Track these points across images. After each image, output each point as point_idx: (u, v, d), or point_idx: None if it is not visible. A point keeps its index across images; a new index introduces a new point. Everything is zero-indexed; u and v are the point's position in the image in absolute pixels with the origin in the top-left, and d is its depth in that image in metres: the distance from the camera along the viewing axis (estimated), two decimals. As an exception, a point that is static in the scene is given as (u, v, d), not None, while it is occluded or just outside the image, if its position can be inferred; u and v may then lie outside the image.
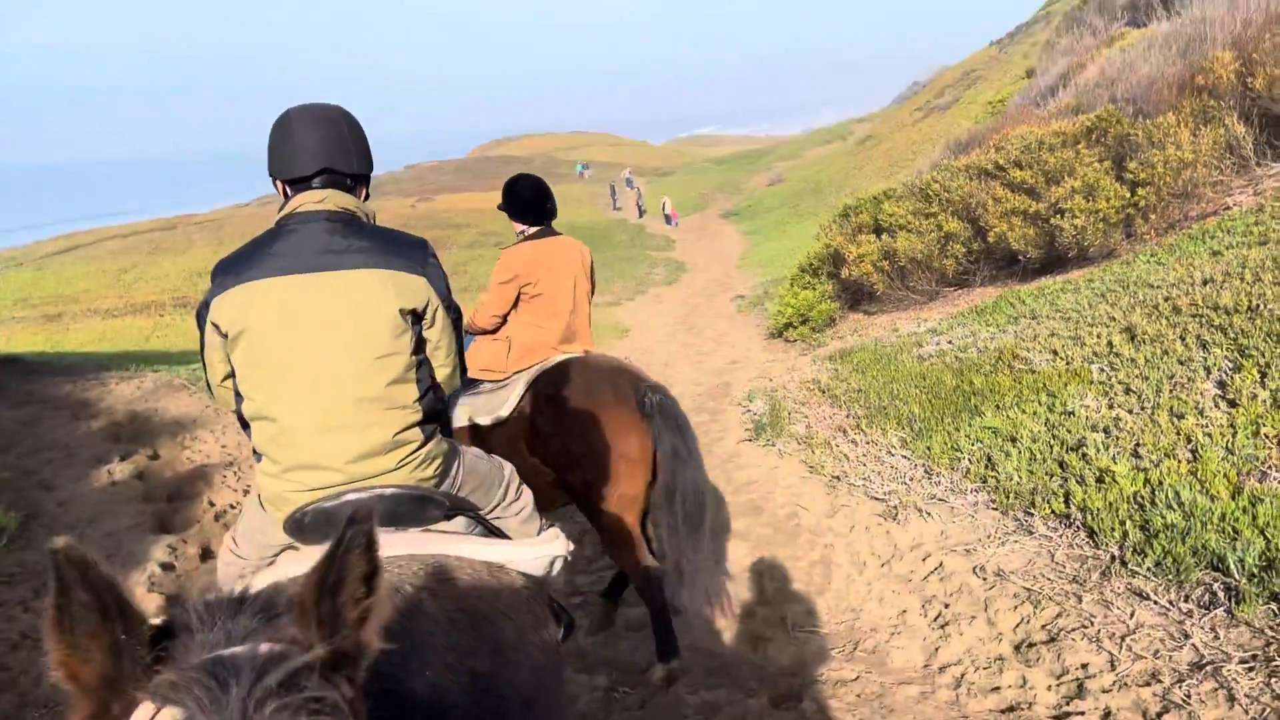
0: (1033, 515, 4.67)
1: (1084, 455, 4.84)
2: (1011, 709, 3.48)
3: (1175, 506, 4.06)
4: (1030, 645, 3.75)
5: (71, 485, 6.02)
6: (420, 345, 2.27)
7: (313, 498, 2.12)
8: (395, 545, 1.99)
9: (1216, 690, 3.11)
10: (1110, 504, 4.32)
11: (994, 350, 7.08)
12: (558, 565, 2.35)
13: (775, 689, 3.90)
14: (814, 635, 4.36)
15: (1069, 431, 5.15)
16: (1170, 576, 3.75)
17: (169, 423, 7.47)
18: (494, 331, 4.27)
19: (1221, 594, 3.57)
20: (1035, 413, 5.56)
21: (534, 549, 2.29)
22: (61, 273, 34.63)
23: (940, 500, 5.26)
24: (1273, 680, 3.05)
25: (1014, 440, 5.36)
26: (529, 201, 4.29)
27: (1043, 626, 3.82)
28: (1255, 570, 3.54)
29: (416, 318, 2.24)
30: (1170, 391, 5.06)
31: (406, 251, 2.25)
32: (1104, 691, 3.33)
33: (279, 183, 2.35)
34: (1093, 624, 3.69)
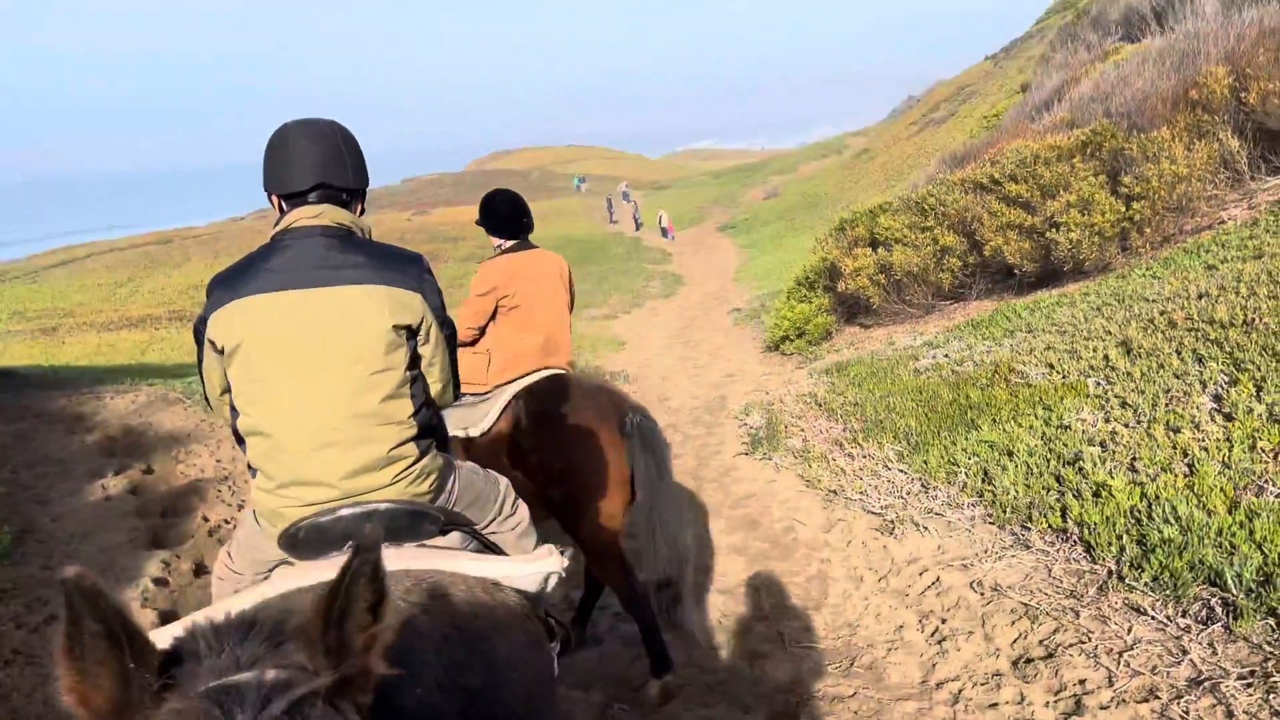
0: (1030, 530, 4.67)
1: (1081, 469, 4.83)
2: (1009, 725, 3.46)
3: (1172, 521, 4.05)
4: (1028, 661, 3.73)
5: (65, 500, 5.99)
6: (415, 361, 2.27)
7: (307, 513, 2.11)
8: (389, 561, 1.96)
9: (1215, 706, 3.10)
10: (1107, 518, 4.31)
11: (990, 364, 7.08)
12: (552, 581, 2.34)
13: (772, 706, 3.88)
14: (811, 651, 4.34)
15: (1065, 445, 5.15)
16: (1168, 592, 3.74)
17: (163, 437, 7.44)
18: (473, 344, 4.28)
19: (1219, 609, 3.55)
20: (1032, 427, 5.56)
21: (528, 565, 2.28)
22: (57, 286, 34.61)
23: (937, 514, 5.25)
24: (1271, 696, 3.03)
25: (1011, 454, 5.36)
26: (505, 216, 4.33)
27: (1040, 642, 3.81)
28: (1253, 585, 3.53)
29: (411, 334, 2.24)
30: (1166, 405, 5.06)
31: (402, 267, 2.25)
32: (1102, 708, 3.32)
33: (274, 197, 2.35)
34: (1090, 639, 3.68)
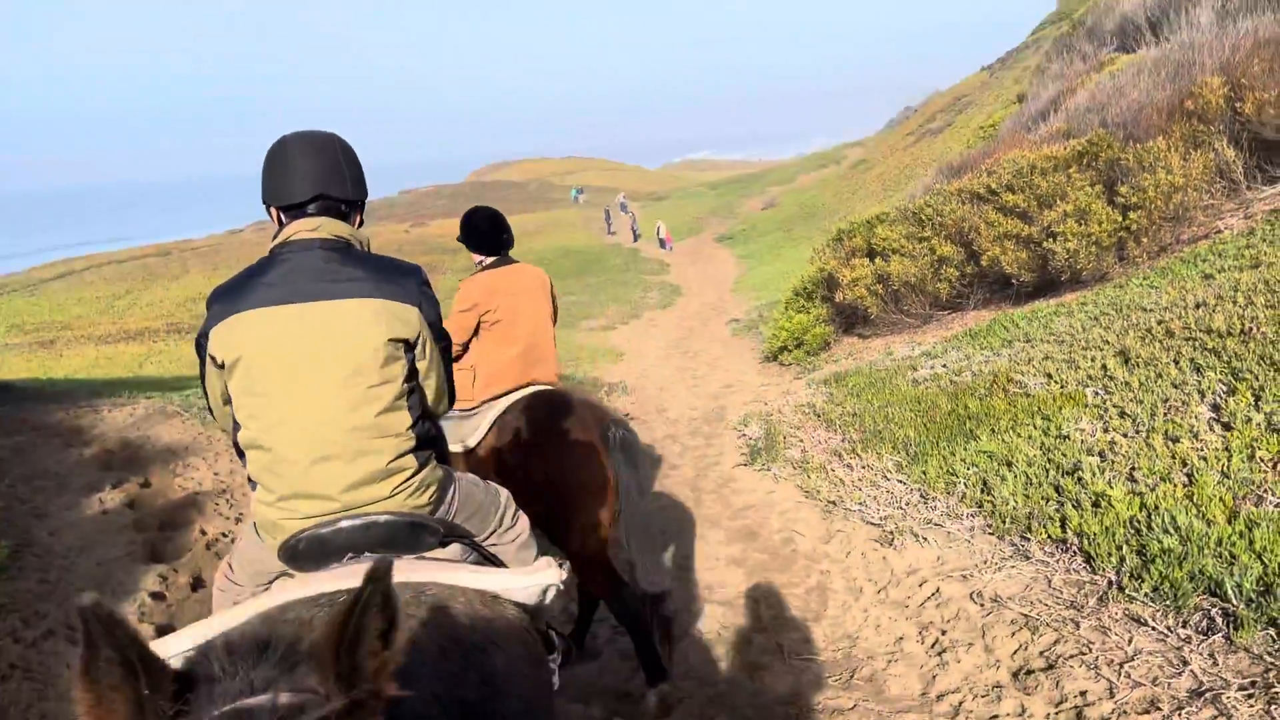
0: (1029, 540, 4.66)
1: (1080, 479, 4.83)
2: (1010, 737, 3.45)
3: (1172, 531, 4.04)
4: (1028, 672, 3.72)
5: (63, 513, 5.98)
6: (413, 373, 2.28)
7: (307, 525, 2.12)
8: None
9: (1216, 718, 3.08)
10: (1107, 529, 4.30)
11: (988, 374, 7.08)
12: (551, 594, 2.34)
13: (772, 719, 3.86)
14: (811, 663, 4.32)
15: (1064, 455, 5.15)
16: (1168, 602, 3.73)
17: (161, 450, 7.43)
18: (457, 360, 4.31)
19: (1219, 619, 3.55)
20: (1030, 436, 5.56)
21: (526, 578, 2.28)
22: (55, 299, 34.61)
23: (936, 525, 5.24)
24: (1272, 708, 3.02)
25: (1009, 464, 5.35)
26: (485, 233, 4.39)
27: (1041, 653, 3.80)
28: (1253, 595, 3.53)
29: (409, 347, 2.25)
30: (1165, 415, 5.06)
31: (400, 279, 2.26)
32: None
33: (273, 209, 2.35)
34: (1091, 651, 3.67)
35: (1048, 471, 5.09)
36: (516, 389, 4.20)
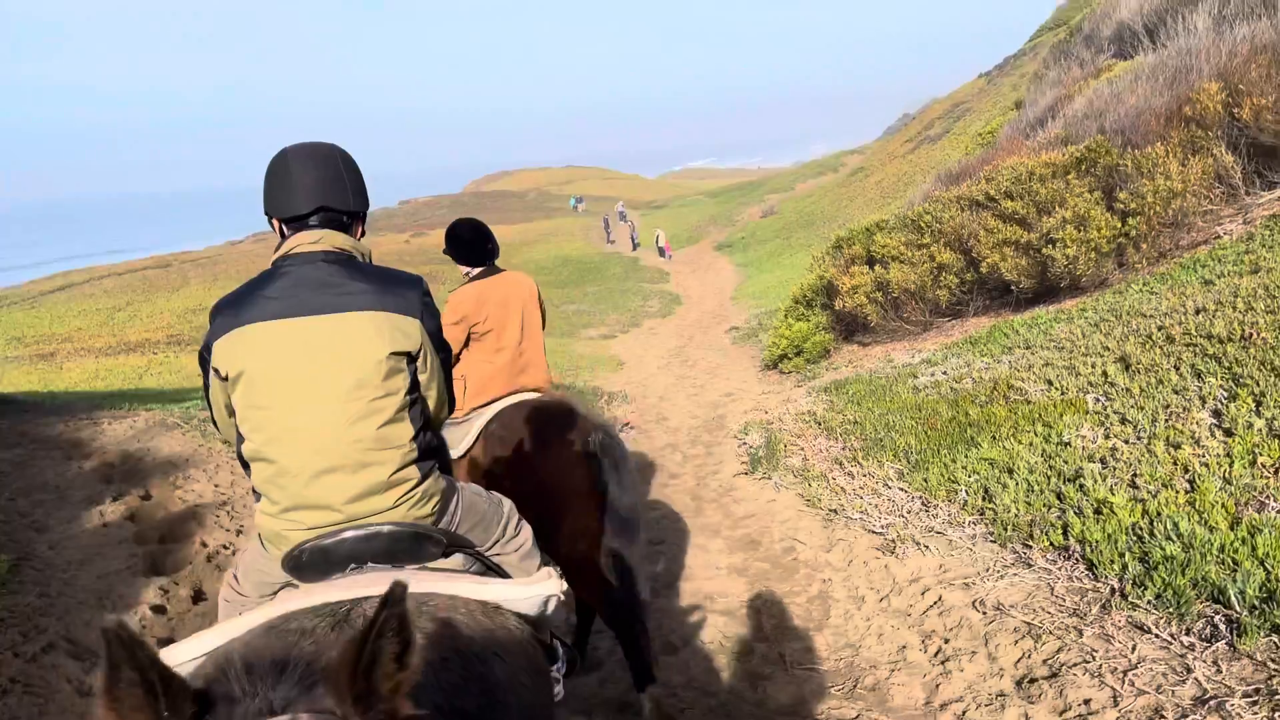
0: (1031, 548, 4.65)
1: (1081, 486, 4.82)
2: (1014, 746, 3.44)
3: (1174, 538, 4.03)
4: (1032, 681, 3.71)
5: (63, 527, 5.97)
6: (414, 385, 2.28)
7: (310, 535, 2.13)
8: (390, 582, 1.99)
9: (1221, 725, 3.08)
10: (1109, 536, 4.29)
11: (989, 381, 7.08)
12: (552, 604, 2.34)
13: (775, 728, 3.85)
14: (813, 673, 4.31)
15: (1066, 462, 5.14)
16: (1171, 609, 3.72)
17: (161, 462, 7.42)
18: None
19: (1223, 626, 3.53)
20: (1031, 443, 5.55)
21: (527, 588, 2.28)
22: (55, 311, 34.59)
23: (938, 533, 5.23)
24: (1276, 715, 3.01)
25: (1011, 472, 5.34)
26: (470, 243, 4.41)
27: (1044, 661, 3.79)
28: (1256, 602, 3.52)
29: (410, 359, 2.25)
30: (1166, 421, 5.05)
31: (401, 291, 2.26)
32: (1107, 728, 3.30)
33: (275, 221, 2.36)
34: (1094, 658, 3.66)
35: (1049, 478, 5.08)
36: (505, 396, 4.24)
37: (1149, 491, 4.50)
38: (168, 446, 7.86)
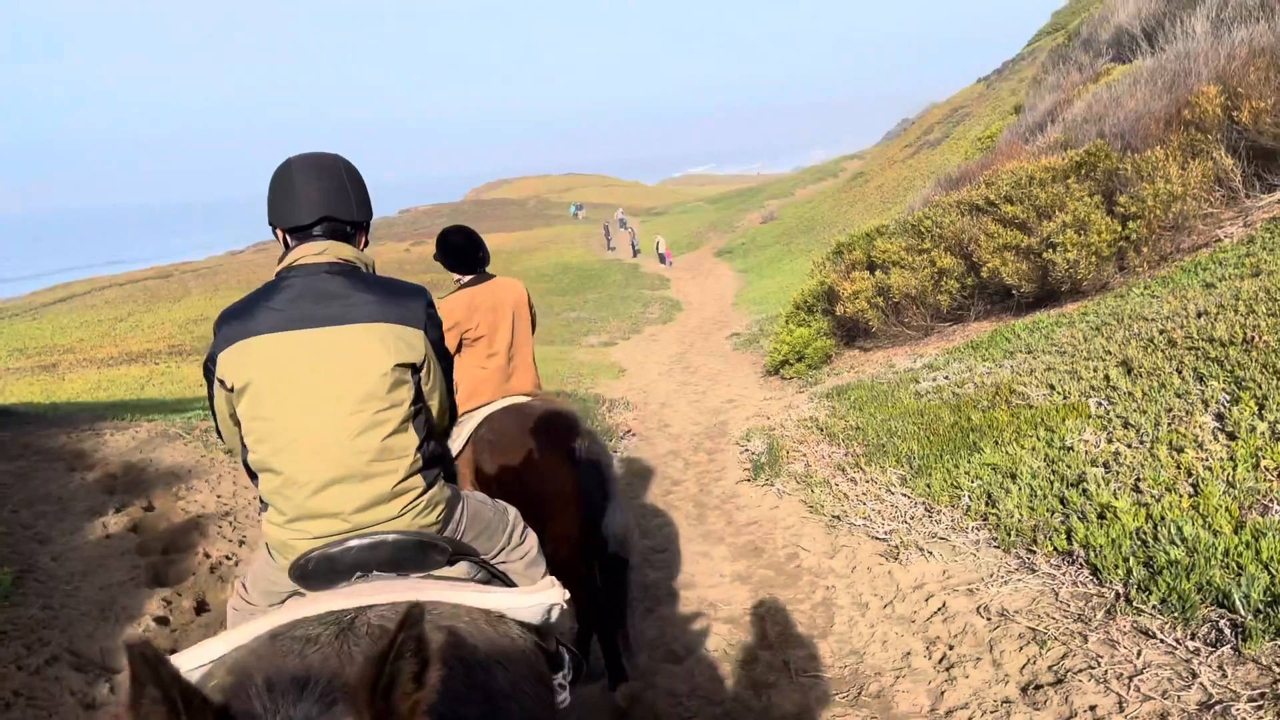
0: (1035, 553, 4.64)
1: (1084, 491, 4.82)
2: (1020, 753, 3.43)
3: (1178, 542, 4.03)
4: (1037, 687, 3.70)
5: (66, 538, 5.97)
6: (418, 396, 2.30)
7: (317, 544, 2.15)
8: (394, 591, 2.02)
9: (1227, 730, 3.07)
10: (1113, 540, 4.29)
11: (991, 385, 7.07)
12: (555, 613, 2.34)
13: (780, 736, 3.84)
14: (818, 680, 4.30)
15: (1069, 467, 5.13)
16: (1176, 614, 3.72)
17: (164, 473, 7.42)
18: None
19: (1228, 631, 3.53)
20: (1034, 448, 5.55)
21: (530, 597, 2.29)
22: (57, 322, 34.64)
23: (941, 539, 5.22)
24: (1283, 719, 3.00)
25: (1014, 477, 5.34)
26: (461, 249, 4.46)
27: (1049, 667, 3.78)
28: (1260, 606, 3.51)
29: (415, 370, 2.27)
30: (1169, 425, 5.05)
31: (405, 302, 2.28)
32: (1113, 733, 3.29)
33: (279, 231, 2.38)
34: (1099, 664, 3.65)
35: (1052, 483, 5.07)
36: (495, 400, 4.29)
37: (1152, 495, 4.49)
38: (170, 457, 7.86)
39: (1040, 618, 4.12)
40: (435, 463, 2.33)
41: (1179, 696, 3.31)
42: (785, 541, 6.04)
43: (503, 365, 4.34)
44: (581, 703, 4.22)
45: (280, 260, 2.31)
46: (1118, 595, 4.03)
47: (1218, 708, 3.17)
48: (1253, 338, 5.44)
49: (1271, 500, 4.08)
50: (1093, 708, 3.44)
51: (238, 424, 2.27)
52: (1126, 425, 5.30)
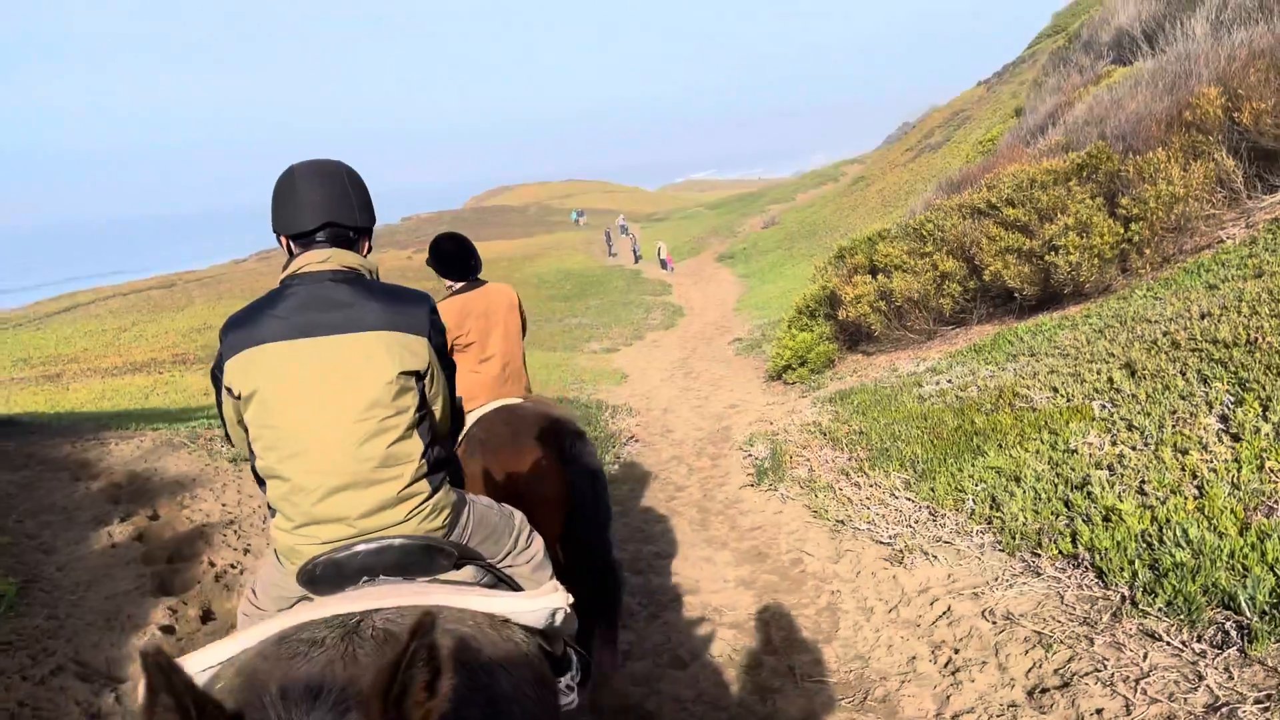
0: (1040, 556, 4.63)
1: (1089, 494, 4.81)
2: (1027, 757, 3.42)
3: (1184, 544, 4.02)
4: (1043, 690, 3.69)
5: (71, 548, 5.97)
6: (423, 402, 2.31)
7: (324, 550, 2.18)
8: (400, 595, 2.04)
9: (1234, 733, 3.06)
10: (1118, 543, 4.28)
11: (994, 389, 7.07)
12: (559, 617, 2.35)
13: (786, 741, 3.83)
14: (823, 685, 4.29)
15: (1073, 470, 5.13)
16: (1182, 616, 3.71)
17: (168, 482, 7.42)
18: None
19: (1234, 633, 3.52)
20: (1038, 451, 5.54)
21: (533, 601, 2.31)
22: (61, 332, 34.70)
23: (946, 543, 5.22)
24: (1291, 721, 3.00)
25: (1018, 480, 5.33)
26: (453, 256, 4.52)
27: (1055, 671, 3.77)
28: (1266, 608, 3.50)
29: (419, 377, 2.28)
30: (1173, 427, 5.04)
31: (409, 309, 2.30)
32: (1120, 737, 3.28)
33: (283, 238, 2.39)
34: (1106, 667, 3.64)
35: (1056, 486, 5.07)
36: (483, 405, 4.34)
37: (1157, 498, 4.49)
38: (175, 466, 7.86)
39: (1046, 621, 4.12)
40: (440, 467, 2.35)
41: (1185, 699, 3.31)
42: (789, 546, 6.03)
43: (497, 370, 4.41)
44: (581, 708, 4.22)
45: (284, 268, 2.33)
46: (1123, 598, 4.02)
47: (1224, 710, 3.16)
48: (1256, 339, 5.43)
49: (1277, 501, 4.07)
50: (1099, 711, 3.43)
51: (246, 430, 2.29)
52: (1130, 428, 5.29)
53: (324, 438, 2.15)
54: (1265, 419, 4.65)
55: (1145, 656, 3.62)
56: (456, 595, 2.15)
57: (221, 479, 7.48)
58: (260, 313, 2.23)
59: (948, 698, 3.93)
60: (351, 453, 2.15)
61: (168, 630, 4.93)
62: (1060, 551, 4.54)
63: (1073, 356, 6.92)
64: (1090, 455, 5.20)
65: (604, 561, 4.18)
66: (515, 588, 2.47)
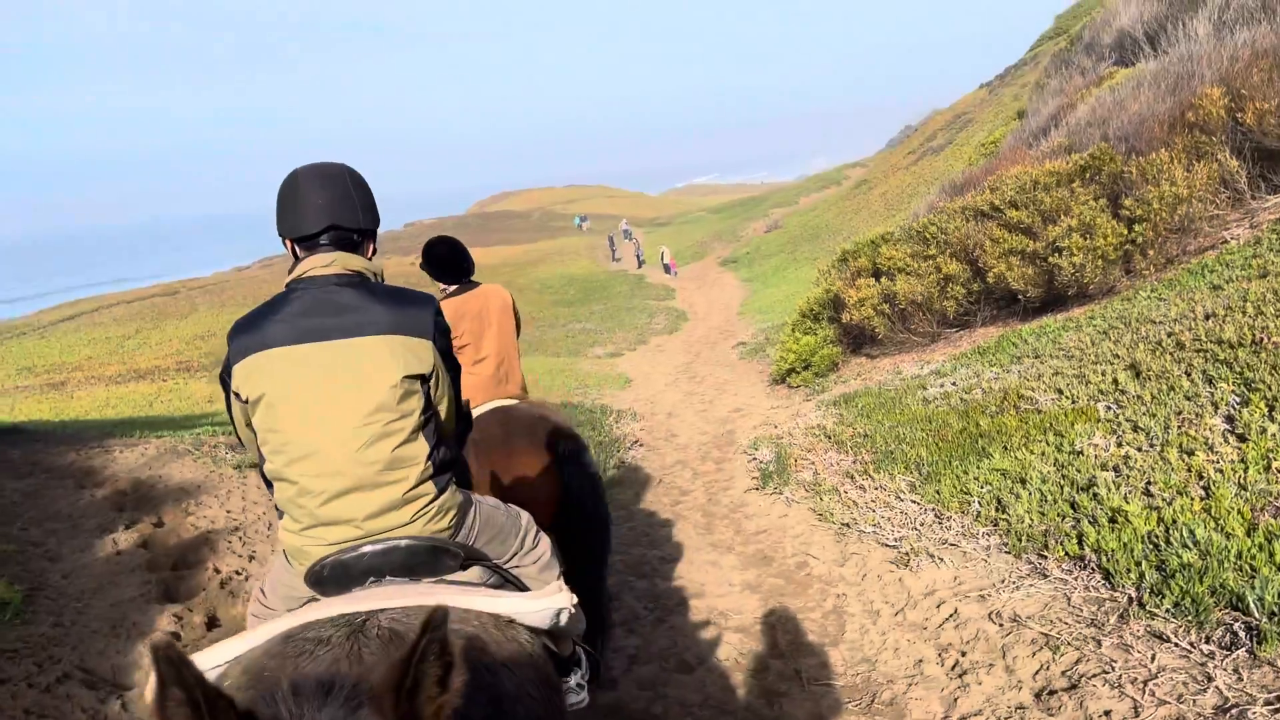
0: (1046, 558, 4.62)
1: (1095, 495, 4.80)
2: (1035, 759, 3.41)
3: (1191, 545, 4.01)
4: (1051, 693, 3.68)
5: (76, 556, 5.97)
6: (428, 404, 2.32)
7: (331, 551, 2.20)
8: (406, 595, 2.05)
9: (1244, 734, 3.05)
10: (1125, 544, 4.27)
11: (999, 391, 7.06)
12: (564, 617, 2.35)
13: (793, 745, 3.82)
14: (830, 689, 4.28)
15: (1079, 471, 5.12)
16: (1189, 617, 3.70)
17: (173, 489, 7.43)
18: None
19: (1242, 634, 3.51)
20: (1044, 453, 5.53)
21: (538, 602, 2.31)
22: (65, 340, 34.77)
23: (952, 545, 5.20)
24: (1301, 722, 2.98)
25: (1023, 482, 5.32)
26: (446, 259, 4.56)
27: (1063, 673, 3.76)
28: (1275, 608, 3.49)
29: (424, 380, 2.29)
30: (1179, 428, 5.03)
31: (414, 312, 2.31)
32: (1129, 739, 3.27)
33: (288, 241, 2.41)
34: (1114, 669, 3.63)
35: (1062, 488, 5.06)
36: (485, 404, 4.36)
37: (1164, 499, 4.48)
38: (179, 473, 7.87)
39: (1053, 623, 4.10)
40: (446, 468, 2.37)
41: (1194, 700, 3.29)
42: (795, 550, 6.02)
43: (491, 370, 4.45)
44: (588, 714, 4.21)
45: (290, 272, 2.34)
46: (1130, 599, 4.01)
47: (1234, 711, 3.15)
48: (1261, 339, 5.42)
49: (1284, 502, 4.06)
50: (1108, 713, 3.42)
51: (255, 433, 2.32)
52: (1136, 429, 5.28)
53: (330, 442, 2.16)
54: (1271, 419, 4.64)
55: (1153, 658, 3.60)
56: (461, 596, 2.17)
57: (226, 486, 7.49)
58: (266, 317, 2.24)
59: (955, 700, 3.92)
60: (357, 456, 2.17)
61: (174, 637, 4.93)
62: (1067, 553, 4.53)
63: (1077, 358, 6.91)
64: (1096, 457, 5.19)
65: (596, 576, 4.17)
66: (522, 588, 2.47)
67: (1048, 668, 3.85)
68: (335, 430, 2.16)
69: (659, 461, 9.20)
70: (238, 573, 5.83)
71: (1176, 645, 3.62)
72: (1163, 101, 9.82)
